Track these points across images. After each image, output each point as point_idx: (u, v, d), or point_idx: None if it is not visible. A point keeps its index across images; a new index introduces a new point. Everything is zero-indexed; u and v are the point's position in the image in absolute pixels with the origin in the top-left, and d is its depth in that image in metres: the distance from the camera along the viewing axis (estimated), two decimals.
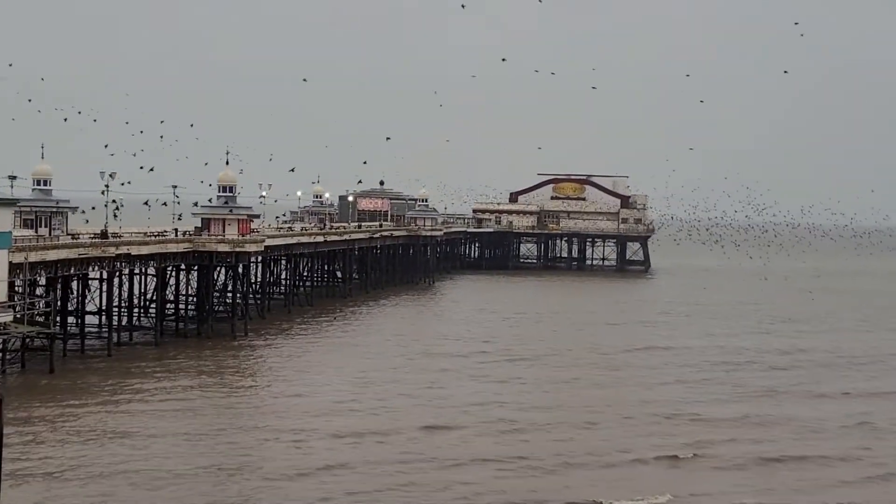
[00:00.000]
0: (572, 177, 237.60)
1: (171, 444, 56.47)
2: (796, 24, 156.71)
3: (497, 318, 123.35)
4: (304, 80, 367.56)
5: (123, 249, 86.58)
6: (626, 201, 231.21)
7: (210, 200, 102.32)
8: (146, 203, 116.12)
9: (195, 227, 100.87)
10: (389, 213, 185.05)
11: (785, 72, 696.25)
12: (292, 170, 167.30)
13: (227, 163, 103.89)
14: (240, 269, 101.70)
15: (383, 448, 58.21)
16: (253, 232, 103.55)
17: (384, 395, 73.08)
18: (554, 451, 58.95)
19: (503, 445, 60.00)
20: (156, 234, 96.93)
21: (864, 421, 70.49)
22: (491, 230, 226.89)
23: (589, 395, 76.67)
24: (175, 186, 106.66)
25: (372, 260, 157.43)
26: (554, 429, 64.68)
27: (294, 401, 69.78)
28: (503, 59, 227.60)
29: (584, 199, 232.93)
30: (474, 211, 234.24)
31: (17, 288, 72.60)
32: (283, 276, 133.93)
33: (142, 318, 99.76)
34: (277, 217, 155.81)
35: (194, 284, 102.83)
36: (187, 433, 59.40)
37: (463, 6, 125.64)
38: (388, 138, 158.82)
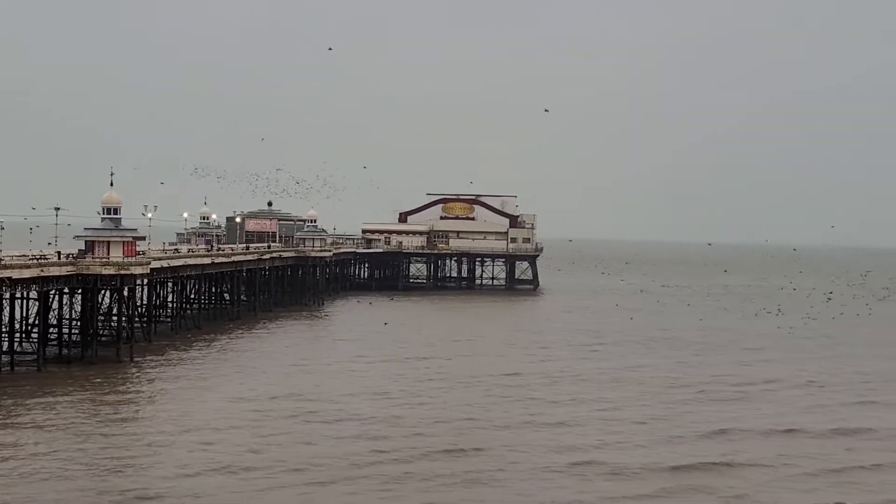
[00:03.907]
0: (461, 197, 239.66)
1: (52, 484, 54.97)
2: None
3: (385, 338, 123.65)
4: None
5: (4, 273, 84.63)
6: (514, 221, 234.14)
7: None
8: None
9: (79, 250, 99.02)
10: (278, 234, 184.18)
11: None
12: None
13: (112, 184, 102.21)
14: (125, 292, 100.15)
15: (266, 474, 57.86)
16: (138, 254, 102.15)
17: (270, 421, 72.56)
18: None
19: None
20: (37, 257, 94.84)
21: None
22: (380, 250, 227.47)
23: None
24: (58, 208, 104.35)
25: (260, 281, 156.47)
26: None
27: (177, 428, 68.63)
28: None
29: (473, 218, 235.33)
30: (363, 231, 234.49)
31: None
32: (169, 298, 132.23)
33: (23, 344, 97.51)
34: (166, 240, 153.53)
35: (78, 308, 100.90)
36: (68, 464, 58.28)
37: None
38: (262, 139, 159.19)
